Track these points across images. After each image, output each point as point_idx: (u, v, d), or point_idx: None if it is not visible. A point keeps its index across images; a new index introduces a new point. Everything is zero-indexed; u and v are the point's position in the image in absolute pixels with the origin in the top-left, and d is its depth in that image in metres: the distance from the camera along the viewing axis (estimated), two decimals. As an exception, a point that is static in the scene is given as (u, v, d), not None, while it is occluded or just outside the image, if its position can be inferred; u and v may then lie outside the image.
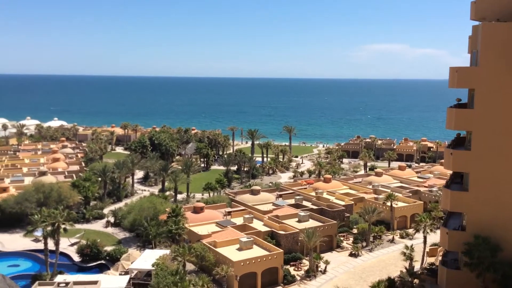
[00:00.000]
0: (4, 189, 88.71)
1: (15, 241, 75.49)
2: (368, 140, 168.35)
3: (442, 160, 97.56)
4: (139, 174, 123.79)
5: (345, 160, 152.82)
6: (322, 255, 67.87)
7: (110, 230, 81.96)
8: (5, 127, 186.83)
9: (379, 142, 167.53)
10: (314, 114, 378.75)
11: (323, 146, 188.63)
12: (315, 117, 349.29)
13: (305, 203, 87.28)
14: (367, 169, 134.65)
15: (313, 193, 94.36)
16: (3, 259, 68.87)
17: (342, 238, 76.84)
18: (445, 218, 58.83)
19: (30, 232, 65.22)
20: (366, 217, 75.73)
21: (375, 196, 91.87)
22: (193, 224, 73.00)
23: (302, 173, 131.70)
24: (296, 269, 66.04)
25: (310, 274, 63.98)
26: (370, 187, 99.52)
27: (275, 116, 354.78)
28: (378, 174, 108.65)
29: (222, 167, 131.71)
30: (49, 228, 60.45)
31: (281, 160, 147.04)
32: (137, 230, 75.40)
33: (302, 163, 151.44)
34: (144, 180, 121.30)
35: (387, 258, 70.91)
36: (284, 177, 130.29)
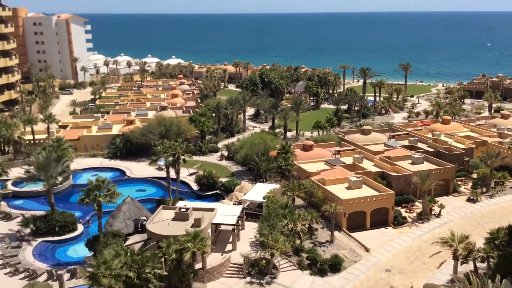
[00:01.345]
0: (131, 122, 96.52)
1: (141, 168, 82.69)
2: (494, 79, 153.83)
3: None
4: (250, 111, 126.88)
5: (467, 101, 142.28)
6: (436, 198, 65.49)
7: (224, 163, 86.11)
8: (129, 64, 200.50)
9: (508, 81, 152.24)
10: (433, 50, 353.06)
11: (443, 85, 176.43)
12: (434, 54, 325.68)
13: (420, 145, 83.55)
14: (492, 111, 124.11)
15: (430, 135, 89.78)
16: (132, 184, 76.01)
17: (459, 183, 72.92)
18: None
19: (154, 162, 70.96)
20: (488, 161, 70.66)
21: (500, 140, 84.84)
22: (302, 161, 73.90)
23: (417, 114, 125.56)
24: (408, 211, 64.57)
25: (423, 217, 62.28)
26: (495, 130, 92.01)
27: (389, 53, 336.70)
28: (505, 116, 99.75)
29: (332, 106, 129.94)
30: (170, 159, 65.08)
31: (395, 99, 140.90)
32: (249, 164, 78.37)
33: (418, 103, 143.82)
34: (255, 117, 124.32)
35: (510, 205, 66.32)
36: (398, 118, 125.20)
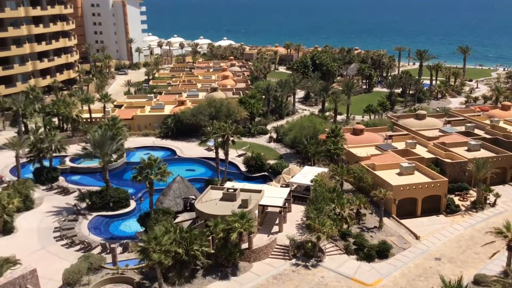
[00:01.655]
0: (182, 102, 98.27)
1: (191, 148, 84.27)
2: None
3: None
4: (300, 93, 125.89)
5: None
6: (492, 187, 62.89)
7: (272, 145, 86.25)
8: (182, 45, 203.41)
9: None
10: (494, 33, 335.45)
11: (504, 70, 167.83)
12: (494, 37, 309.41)
13: (476, 131, 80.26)
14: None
15: (488, 121, 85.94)
16: (182, 163, 77.67)
17: (517, 172, 69.64)
18: None
19: (204, 142, 72.10)
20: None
21: None
22: (352, 146, 72.80)
23: (476, 99, 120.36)
24: (462, 199, 62.46)
25: (477, 205, 60.09)
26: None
27: (447, 35, 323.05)
28: None
29: (385, 89, 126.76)
30: (219, 140, 65.87)
31: (452, 83, 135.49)
32: (297, 147, 78.09)
33: (476, 87, 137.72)
34: (305, 100, 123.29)
35: None
36: (455, 102, 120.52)
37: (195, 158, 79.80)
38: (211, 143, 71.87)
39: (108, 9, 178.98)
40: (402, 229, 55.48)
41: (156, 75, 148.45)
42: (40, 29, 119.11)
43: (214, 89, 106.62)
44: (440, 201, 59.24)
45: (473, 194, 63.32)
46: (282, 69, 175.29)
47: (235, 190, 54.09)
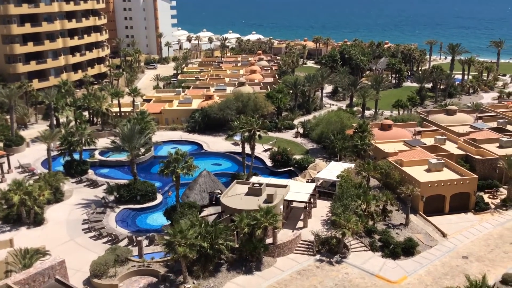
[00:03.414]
0: (210, 97, 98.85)
1: (218, 143, 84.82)
2: None
3: None
4: (328, 88, 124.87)
5: None
6: (524, 185, 61.06)
7: (299, 140, 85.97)
8: (210, 40, 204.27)
9: None
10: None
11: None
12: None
13: (509, 127, 78.11)
14: None
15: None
16: (208, 158, 78.31)
17: (552, 170, 67.38)
18: None
19: (230, 137, 72.45)
20: None
21: None
22: (380, 141, 71.91)
23: (509, 94, 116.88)
24: (491, 197, 60.97)
25: (508, 204, 58.61)
26: None
27: (480, 28, 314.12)
28: None
29: (415, 84, 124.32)
30: (246, 134, 66.01)
31: (485, 78, 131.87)
32: (324, 142, 77.58)
33: (510, 82, 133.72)
34: (333, 95, 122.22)
35: None
36: (487, 98, 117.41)
37: (221, 152, 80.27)
38: (237, 137, 72.16)
39: (139, 4, 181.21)
40: (429, 226, 54.59)
41: (185, 69, 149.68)
42: (73, 24, 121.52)
43: (242, 84, 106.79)
44: (469, 198, 57.99)
45: (503, 192, 61.73)
46: (310, 63, 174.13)
47: (260, 185, 54.22)
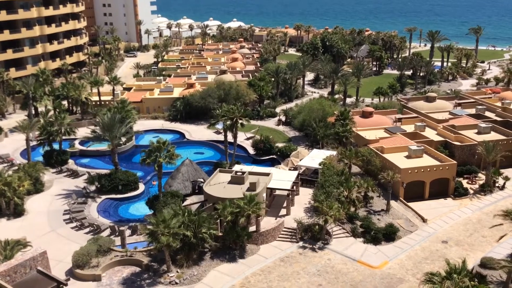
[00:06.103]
0: (191, 85, 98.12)
1: (200, 131, 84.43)
2: None
3: None
4: (310, 76, 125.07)
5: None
6: (502, 170, 62.47)
7: (281, 128, 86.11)
8: (191, 27, 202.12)
9: None
10: (508, 13, 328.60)
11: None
12: (508, 18, 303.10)
13: (487, 114, 79.48)
14: None
15: (499, 104, 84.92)
16: (190, 146, 77.94)
17: (528, 155, 68.91)
18: None
19: (212, 125, 72.19)
20: None
21: None
22: (361, 129, 72.49)
23: (487, 81, 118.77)
24: (470, 182, 62.17)
25: (486, 189, 59.85)
26: None
27: (459, 16, 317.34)
28: None
29: (395, 72, 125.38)
30: (228, 122, 65.79)
31: (464, 65, 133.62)
32: (306, 130, 77.87)
33: (488, 69, 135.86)
34: (314, 82, 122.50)
35: None
36: (466, 84, 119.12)
37: (203, 141, 79.96)
38: (219, 126, 71.91)
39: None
40: (410, 212, 55.49)
41: (165, 57, 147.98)
42: (50, 11, 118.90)
43: (223, 72, 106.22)
44: (449, 184, 59.02)
45: (482, 177, 62.99)
46: (292, 51, 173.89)
47: (243, 173, 54.33)
